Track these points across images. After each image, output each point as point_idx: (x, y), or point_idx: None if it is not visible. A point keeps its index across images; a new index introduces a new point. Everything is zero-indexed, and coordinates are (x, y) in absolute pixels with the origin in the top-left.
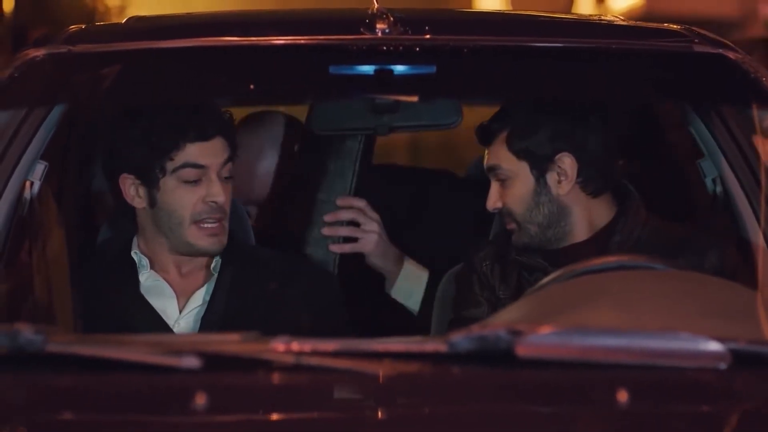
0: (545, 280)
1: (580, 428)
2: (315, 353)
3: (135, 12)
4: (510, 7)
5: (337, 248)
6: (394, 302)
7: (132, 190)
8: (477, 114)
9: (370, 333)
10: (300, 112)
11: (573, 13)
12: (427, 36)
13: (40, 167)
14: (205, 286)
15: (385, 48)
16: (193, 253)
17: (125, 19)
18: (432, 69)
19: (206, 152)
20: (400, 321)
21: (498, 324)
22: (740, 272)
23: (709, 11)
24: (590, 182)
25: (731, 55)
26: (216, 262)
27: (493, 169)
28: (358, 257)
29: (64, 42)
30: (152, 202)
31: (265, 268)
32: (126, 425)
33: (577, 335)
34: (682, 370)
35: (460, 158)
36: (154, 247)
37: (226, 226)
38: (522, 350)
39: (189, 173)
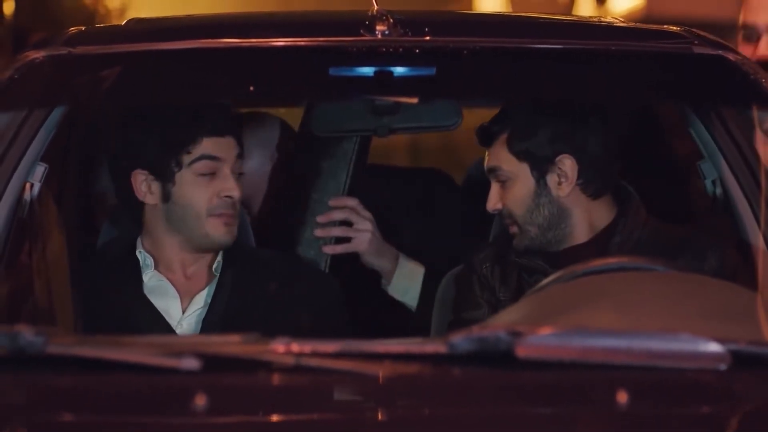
0: (545, 281)
1: (580, 429)
2: (315, 354)
3: (135, 14)
4: (510, 10)
5: (329, 249)
6: (389, 303)
7: (144, 187)
8: (477, 116)
9: (367, 333)
10: (295, 114)
11: (573, 15)
12: (427, 38)
13: (40, 169)
14: (207, 287)
15: (384, 49)
16: (208, 246)
17: (125, 21)
18: (432, 70)
19: (221, 146)
20: (397, 321)
21: (498, 325)
22: (740, 273)
23: (708, 14)
24: (590, 184)
25: (731, 56)
26: (218, 264)
27: (493, 170)
28: (350, 259)
29: (64, 44)
30: (166, 197)
31: (266, 269)
32: (126, 426)
33: (577, 336)
34: (682, 371)
35: (460, 160)
36: (161, 246)
37: (237, 222)
38: (522, 351)
39: (205, 165)
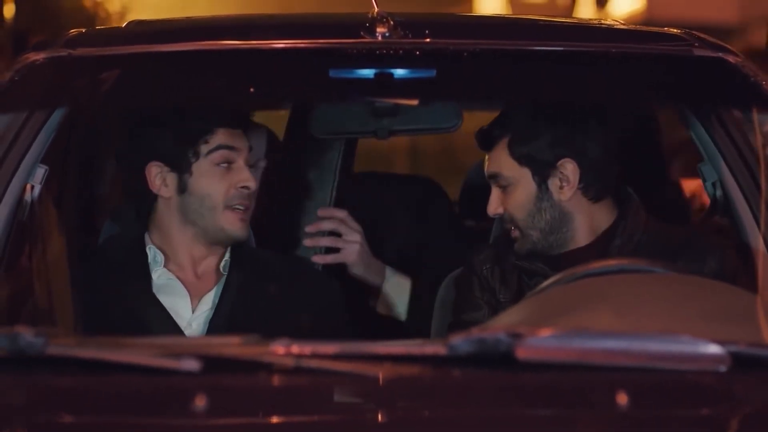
0: (546, 283)
1: (580, 431)
2: (315, 356)
3: (135, 17)
4: (509, 13)
5: (319, 259)
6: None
7: (158, 179)
8: (477, 119)
9: (368, 335)
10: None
11: (573, 18)
12: (427, 40)
13: (41, 171)
14: (215, 288)
15: (385, 51)
16: (222, 239)
17: (125, 23)
18: (432, 72)
19: (236, 137)
20: (397, 323)
21: (498, 327)
22: (740, 276)
23: (709, 17)
24: (591, 187)
25: (731, 58)
26: (225, 262)
27: (494, 176)
28: (342, 268)
29: (64, 45)
30: (182, 189)
31: (271, 270)
32: (126, 428)
33: (577, 338)
34: (682, 373)
35: (460, 163)
36: (172, 240)
37: (250, 217)
38: (522, 353)
39: (222, 155)
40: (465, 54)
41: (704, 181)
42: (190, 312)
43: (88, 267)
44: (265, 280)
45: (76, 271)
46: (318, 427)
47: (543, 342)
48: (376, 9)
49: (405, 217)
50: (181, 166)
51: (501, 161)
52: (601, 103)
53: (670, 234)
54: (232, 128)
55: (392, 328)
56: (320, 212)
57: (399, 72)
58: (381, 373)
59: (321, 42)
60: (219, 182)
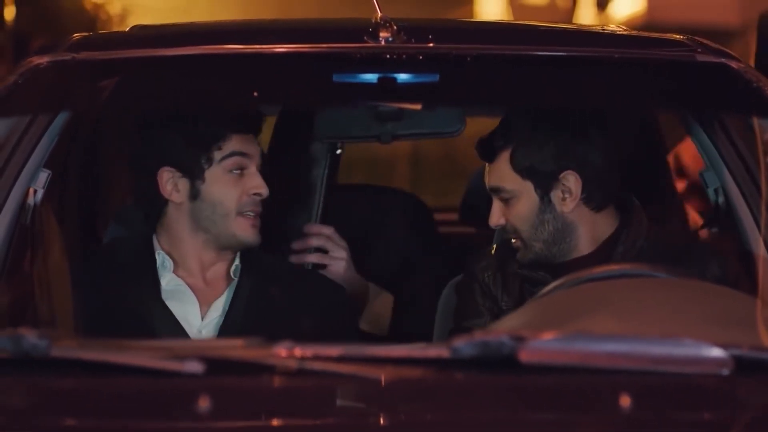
0: (548, 287)
1: None
2: (317, 358)
3: (136, 21)
4: (511, 18)
5: None
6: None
7: (170, 185)
8: (479, 125)
9: (371, 339)
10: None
11: (576, 23)
12: (431, 44)
13: (44, 175)
14: (225, 294)
15: (388, 56)
16: (234, 245)
17: (129, 28)
18: (435, 77)
19: (249, 143)
20: (400, 327)
21: (501, 330)
22: (742, 282)
23: (709, 20)
24: (593, 197)
25: (733, 64)
26: (236, 268)
27: (496, 190)
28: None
29: (67, 49)
30: (194, 195)
31: (281, 276)
32: (129, 430)
33: (579, 341)
34: (685, 376)
35: (462, 168)
36: (182, 246)
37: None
38: (525, 356)
39: (235, 162)
40: (468, 59)
41: (706, 187)
42: (199, 319)
43: (92, 269)
44: (274, 285)
45: (79, 274)
46: (320, 429)
47: (546, 345)
48: (380, 14)
49: (387, 230)
50: (193, 172)
51: (503, 174)
52: (603, 110)
53: (673, 240)
54: (244, 134)
55: (395, 333)
56: (306, 229)
57: (402, 77)
58: (383, 375)
59: (324, 47)
60: (232, 189)
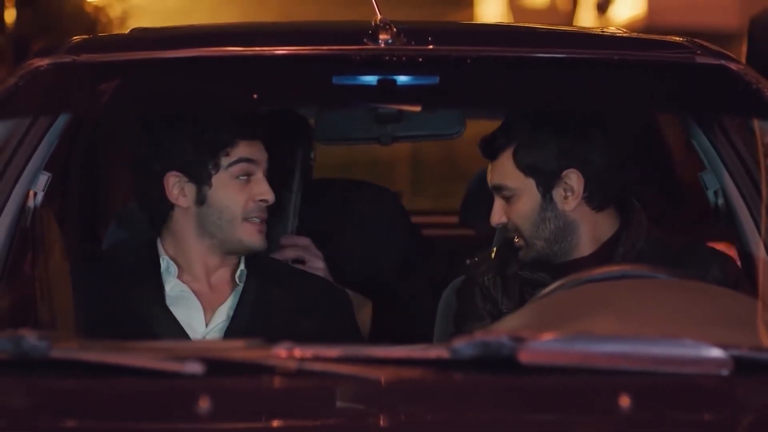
0: (548, 288)
1: None
2: (317, 359)
3: (136, 23)
4: (511, 21)
5: None
6: (390, 311)
7: (177, 189)
8: (478, 127)
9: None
10: None
11: (575, 26)
12: (430, 47)
13: (44, 178)
14: (230, 299)
15: (388, 58)
16: (240, 250)
17: (129, 30)
18: (435, 79)
19: (256, 149)
20: (400, 328)
21: (501, 330)
22: (742, 283)
23: (709, 23)
24: (595, 197)
25: (733, 66)
26: (241, 273)
27: (498, 187)
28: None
29: (68, 52)
30: (201, 200)
31: (285, 281)
32: (129, 431)
33: (579, 341)
34: (685, 377)
35: (462, 171)
36: (187, 250)
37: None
38: (525, 356)
39: (242, 168)
40: (468, 61)
41: (706, 189)
42: (203, 325)
43: (95, 272)
44: (279, 290)
45: (81, 277)
46: (320, 430)
47: (546, 346)
48: (379, 16)
49: (360, 224)
50: (200, 177)
51: (506, 171)
52: (604, 111)
53: (673, 242)
54: (252, 140)
55: (404, 336)
56: (283, 240)
57: (402, 79)
58: (383, 376)
59: (324, 49)
60: (238, 195)
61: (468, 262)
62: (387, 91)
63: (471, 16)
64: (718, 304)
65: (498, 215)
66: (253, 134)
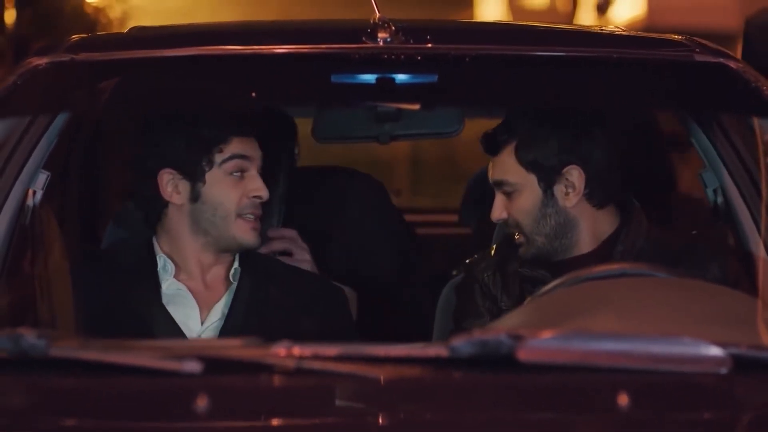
0: (548, 286)
1: None
2: (316, 358)
3: (136, 23)
4: (511, 20)
5: None
6: (390, 309)
7: (170, 186)
8: (478, 127)
9: (370, 339)
10: None
11: (575, 24)
12: (429, 45)
13: (43, 176)
14: (224, 298)
15: (386, 57)
16: (234, 247)
17: (128, 29)
18: (434, 78)
19: (249, 146)
20: (400, 327)
21: (500, 328)
22: (741, 282)
23: (709, 24)
24: (596, 193)
25: (732, 64)
26: (235, 271)
27: (499, 183)
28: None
29: (66, 50)
30: (195, 197)
31: (280, 280)
32: (128, 429)
33: (578, 339)
34: (683, 375)
35: (462, 170)
36: (182, 248)
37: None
38: (523, 355)
39: (236, 164)
40: (466, 59)
41: (705, 188)
42: (199, 324)
43: (93, 271)
44: (274, 288)
45: (79, 276)
46: (319, 428)
47: (544, 344)
48: (378, 14)
49: (345, 212)
50: (194, 174)
51: (507, 167)
52: (604, 109)
53: (672, 240)
54: (245, 136)
55: (401, 334)
56: (270, 233)
57: (401, 77)
58: (382, 375)
59: (323, 47)
60: (232, 191)
61: (468, 260)
62: (386, 89)
63: (471, 16)
64: (718, 302)
65: (499, 211)
66: (247, 131)
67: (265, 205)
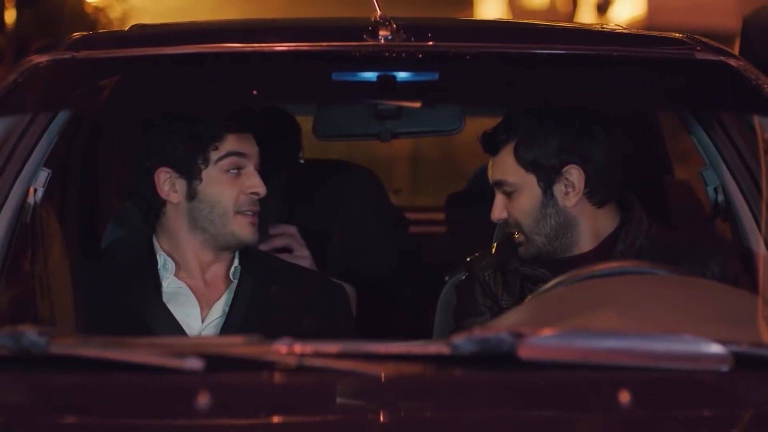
0: (549, 284)
1: (582, 430)
2: (317, 355)
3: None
4: (511, 18)
5: None
6: (390, 307)
7: (167, 185)
8: (478, 126)
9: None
10: None
11: (575, 22)
12: (430, 43)
13: (44, 174)
14: (225, 296)
15: (387, 54)
16: (233, 244)
17: (128, 27)
18: (434, 76)
19: (246, 142)
20: (400, 324)
21: (500, 326)
22: (742, 280)
23: (709, 24)
24: (596, 193)
25: (733, 62)
26: (235, 269)
27: (499, 183)
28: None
29: (67, 48)
30: (191, 195)
31: (280, 278)
32: (129, 426)
33: (579, 337)
34: (684, 373)
35: (462, 169)
36: (181, 246)
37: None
38: (524, 352)
39: (232, 162)
40: (467, 57)
41: (706, 186)
42: (199, 322)
43: (93, 270)
44: (274, 285)
45: (79, 275)
46: (320, 426)
47: (545, 341)
48: (379, 12)
49: (343, 206)
50: (190, 172)
51: (507, 167)
52: (604, 108)
53: (672, 239)
54: (241, 132)
55: (402, 332)
56: (271, 230)
57: (401, 75)
58: (383, 372)
59: (324, 45)
60: (229, 188)
61: (468, 258)
62: (386, 87)
63: (471, 16)
64: (718, 300)
65: (499, 211)
66: (243, 128)
67: (266, 204)
